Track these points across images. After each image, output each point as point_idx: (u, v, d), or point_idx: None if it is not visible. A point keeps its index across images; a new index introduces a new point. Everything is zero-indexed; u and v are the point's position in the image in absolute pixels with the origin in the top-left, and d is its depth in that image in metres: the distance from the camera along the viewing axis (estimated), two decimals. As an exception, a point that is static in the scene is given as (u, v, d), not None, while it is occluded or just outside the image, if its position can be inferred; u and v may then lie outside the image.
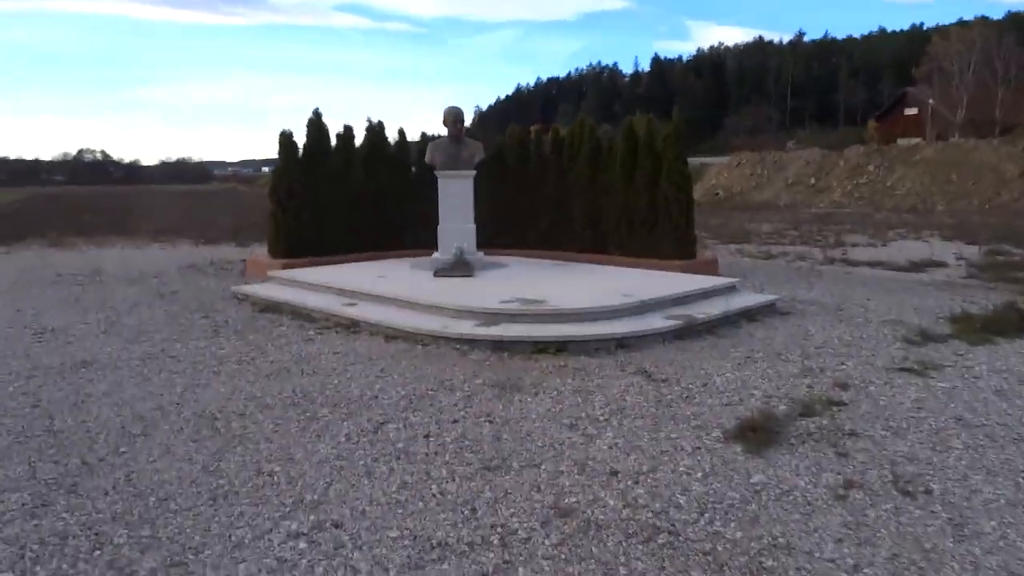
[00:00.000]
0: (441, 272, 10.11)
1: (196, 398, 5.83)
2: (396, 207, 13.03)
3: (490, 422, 5.30)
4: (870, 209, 34.53)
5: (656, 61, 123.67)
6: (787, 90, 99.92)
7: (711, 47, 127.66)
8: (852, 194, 39.79)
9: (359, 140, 13.06)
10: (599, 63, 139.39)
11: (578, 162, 12.53)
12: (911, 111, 61.35)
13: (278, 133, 11.99)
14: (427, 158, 10.98)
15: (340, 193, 12.44)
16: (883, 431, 5.12)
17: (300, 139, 12.33)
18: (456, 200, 10.83)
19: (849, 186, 40.38)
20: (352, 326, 8.25)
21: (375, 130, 13.05)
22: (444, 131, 10.90)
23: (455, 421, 5.32)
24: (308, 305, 8.99)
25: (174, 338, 7.82)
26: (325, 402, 5.72)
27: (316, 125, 12.40)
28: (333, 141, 12.61)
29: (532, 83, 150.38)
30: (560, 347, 7.14)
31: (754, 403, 5.69)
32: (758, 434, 5.00)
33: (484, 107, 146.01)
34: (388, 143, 13.15)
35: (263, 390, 6.02)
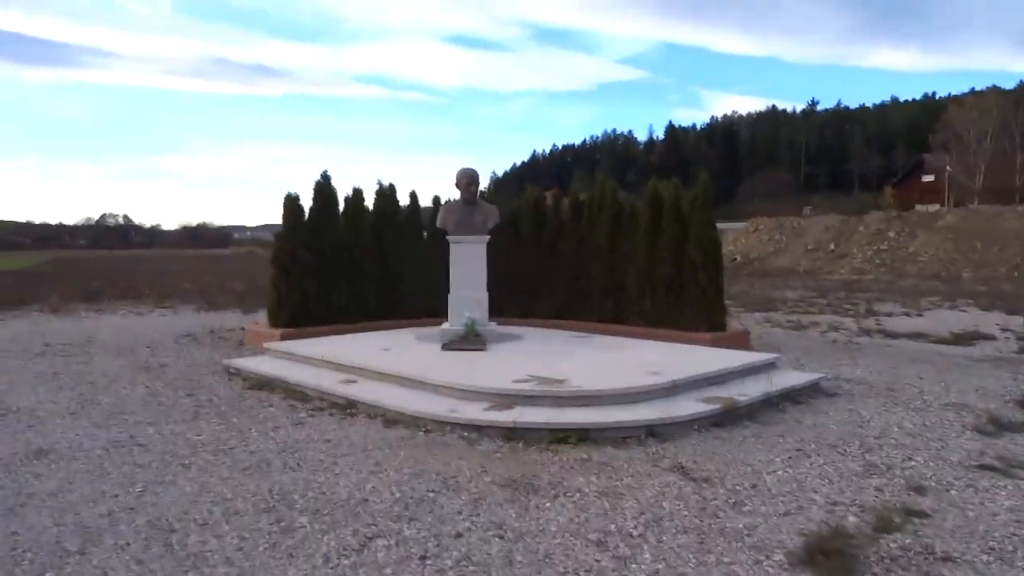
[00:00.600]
0: (450, 345, 9.26)
1: (155, 500, 4.92)
2: (406, 274, 12.27)
3: (500, 537, 4.35)
4: (892, 276, 33.54)
5: (670, 129, 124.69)
6: (800, 158, 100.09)
7: (724, 116, 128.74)
8: (873, 260, 38.85)
9: (369, 203, 12.39)
10: (614, 131, 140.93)
11: (598, 227, 11.77)
12: (928, 178, 60.87)
13: (283, 196, 11.35)
14: (439, 221, 10.25)
15: (347, 259, 11.71)
16: (984, 555, 4.14)
17: (307, 202, 11.69)
18: (468, 266, 10.05)
19: (870, 252, 39.48)
20: (349, 407, 7.36)
21: (385, 194, 12.40)
22: (457, 194, 10.20)
23: (458, 535, 4.38)
24: (303, 382, 8.12)
25: (148, 421, 6.95)
26: (305, 507, 4.80)
27: (323, 188, 11.76)
28: (341, 205, 11.94)
29: (547, 150, 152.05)
30: (582, 436, 6.22)
31: (817, 512, 4.72)
32: (831, 559, 4.03)
33: (500, 173, 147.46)
34: (399, 207, 12.48)
35: (235, 489, 5.11)
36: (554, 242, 12.28)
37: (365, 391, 7.53)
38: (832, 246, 42.00)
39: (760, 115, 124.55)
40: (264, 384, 8.51)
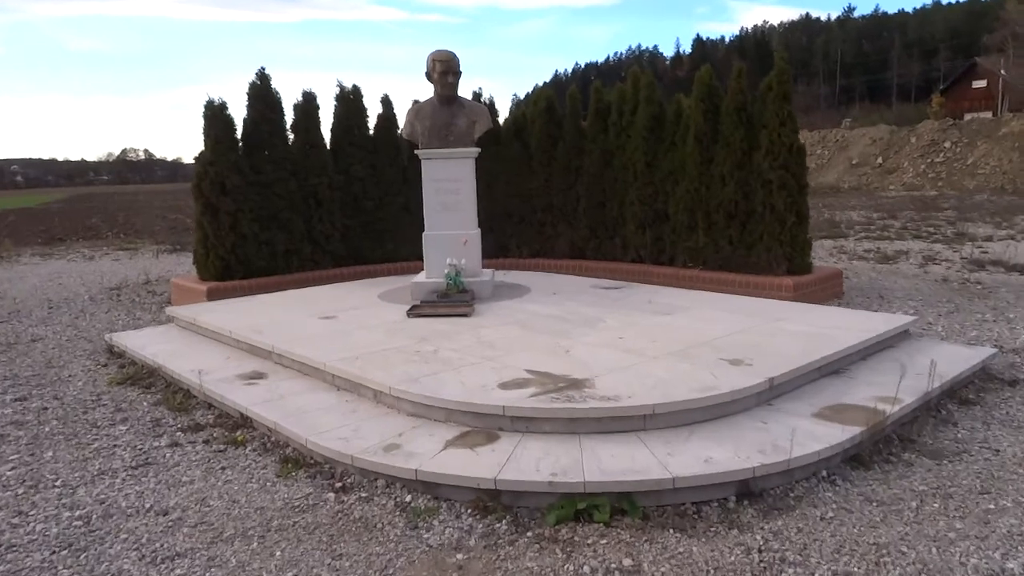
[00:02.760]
0: (419, 309, 6.29)
1: None
2: (380, 206, 9.22)
3: None
4: (951, 191, 29.77)
5: (698, 42, 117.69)
6: (836, 68, 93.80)
7: (755, 26, 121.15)
8: (926, 174, 34.90)
9: (328, 114, 9.28)
10: (639, 46, 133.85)
11: (632, 136, 8.57)
12: (979, 84, 55.61)
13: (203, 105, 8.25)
14: (404, 130, 7.16)
15: (296, 188, 8.67)
16: None
17: (240, 112, 8.61)
18: (449, 193, 6.98)
19: (923, 165, 35.45)
20: (239, 427, 4.48)
21: (348, 99, 9.23)
22: (429, 92, 7.05)
23: None
24: (188, 377, 5.23)
25: None
26: None
27: (261, 92, 8.64)
28: (288, 115, 8.84)
29: (569, 69, 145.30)
30: (621, 506, 3.28)
31: None
32: None
33: (521, 95, 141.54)
34: (366, 118, 9.32)
35: None
36: (573, 158, 9.11)
37: (270, 399, 4.62)
38: (879, 160, 38.01)
39: (793, 24, 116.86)
40: (142, 376, 5.65)
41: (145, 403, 5.11)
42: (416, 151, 7.00)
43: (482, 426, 3.94)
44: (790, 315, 5.89)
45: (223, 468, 3.97)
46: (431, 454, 3.65)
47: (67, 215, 31.14)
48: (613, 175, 8.77)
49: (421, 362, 4.75)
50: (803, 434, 3.75)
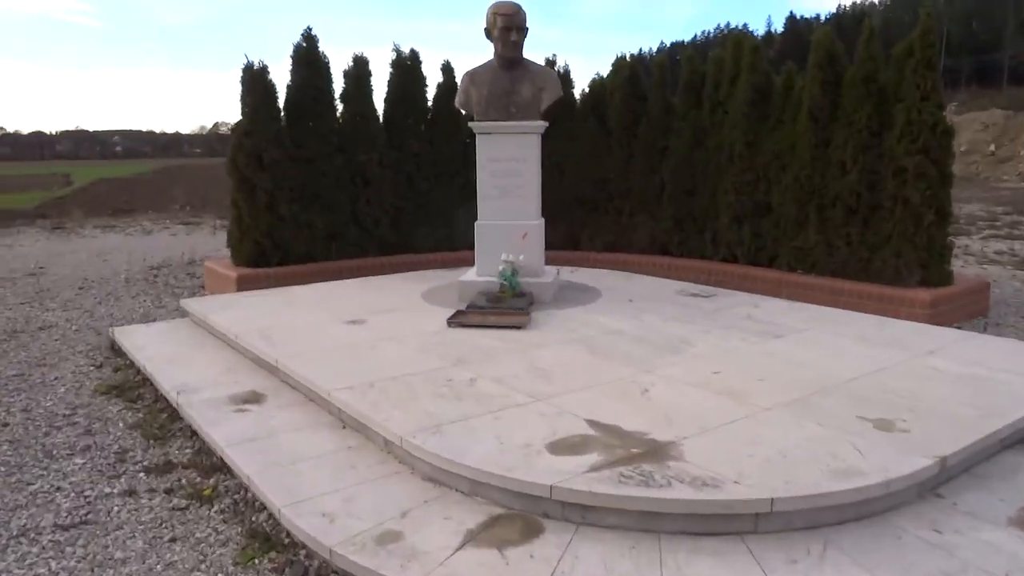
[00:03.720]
0: (463, 317, 5.13)
1: None
2: (432, 189, 8.11)
3: None
4: (1077, 183, 26.74)
5: (791, 20, 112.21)
6: (942, 48, 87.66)
7: (853, 3, 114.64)
8: (1046, 164, 31.70)
9: (381, 82, 8.19)
10: (727, 24, 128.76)
11: (730, 113, 7.17)
12: (1107, 66, 50.52)
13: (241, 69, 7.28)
14: (458, 98, 5.98)
15: (343, 165, 7.64)
16: None
17: (283, 78, 7.64)
18: (508, 175, 5.80)
19: (1042, 154, 32.22)
20: (215, 472, 3.44)
21: (405, 65, 8.12)
22: (489, 54, 5.85)
23: None
24: (172, 394, 4.23)
25: None
26: None
27: (307, 56, 7.60)
28: (338, 84, 7.81)
29: (654, 47, 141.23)
30: None
31: None
32: None
33: (602, 74, 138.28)
34: (424, 87, 8.19)
35: None
36: (659, 137, 7.76)
37: (256, 437, 3.56)
38: (992, 148, 34.79)
39: (895, 1, 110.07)
40: (132, 385, 4.70)
41: (121, 424, 4.14)
42: (470, 124, 5.83)
43: (520, 508, 2.77)
44: (941, 346, 4.47)
45: (172, 540, 2.93)
46: (441, 556, 2.51)
47: (152, 185, 31.51)
48: (705, 158, 7.39)
49: (452, 397, 3.60)
50: (1009, 560, 2.44)
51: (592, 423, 3.25)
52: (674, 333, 4.77)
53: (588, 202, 8.14)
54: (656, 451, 2.95)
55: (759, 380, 3.81)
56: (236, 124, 7.29)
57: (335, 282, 6.84)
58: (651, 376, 3.89)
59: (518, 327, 4.88)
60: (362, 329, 4.96)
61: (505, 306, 5.29)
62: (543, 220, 6.06)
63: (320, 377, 3.94)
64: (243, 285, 6.87)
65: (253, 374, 4.47)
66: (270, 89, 7.32)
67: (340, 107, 7.81)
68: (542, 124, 5.82)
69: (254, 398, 4.08)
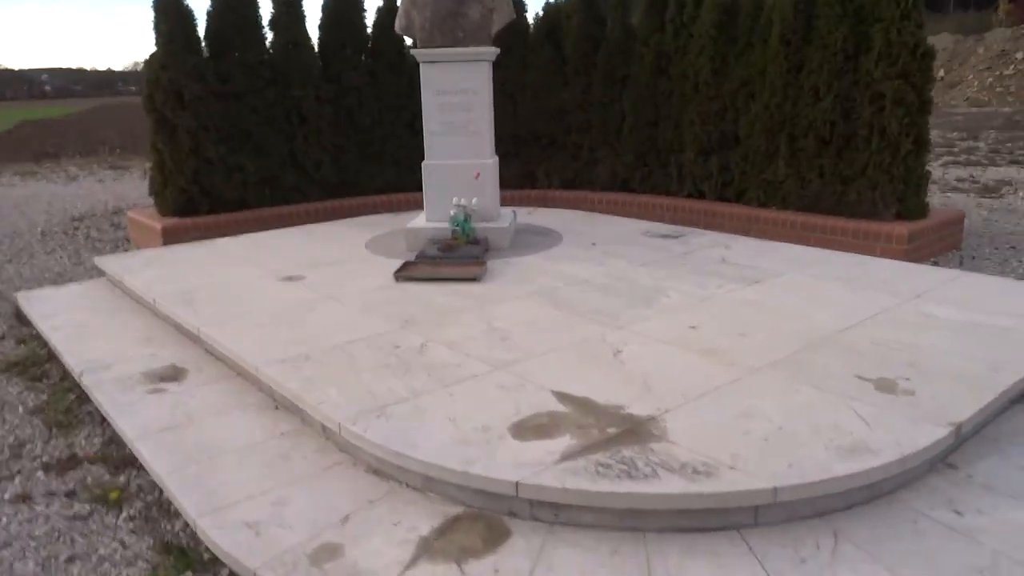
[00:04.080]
0: (411, 270, 4.62)
1: None
2: (376, 124, 7.45)
3: None
4: (1021, 105, 26.88)
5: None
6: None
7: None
8: (993, 88, 31.72)
9: (317, 3, 7.42)
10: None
11: (695, 36, 6.63)
12: (1052, -12, 50.71)
13: (153, -8, 6.45)
14: (398, 22, 5.33)
15: (275, 99, 6.93)
16: None
17: (204, 4, 6.81)
18: (457, 109, 5.22)
19: (990, 78, 32.24)
20: (124, 468, 2.95)
21: (341, -12, 7.34)
22: (433, -31, 5.17)
23: None
24: (79, 373, 3.68)
25: None
26: None
27: (229, -22, 6.78)
28: (267, 10, 7.03)
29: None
30: None
31: None
32: None
33: None
34: (363, 12, 7.44)
35: None
36: (619, 65, 7.19)
37: (172, 424, 3.06)
38: (941, 73, 34.75)
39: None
40: (37, 360, 4.13)
41: (21, 409, 3.60)
42: (413, 51, 5.21)
43: (482, 507, 2.36)
44: (931, 287, 4.14)
45: (70, 559, 2.46)
46: (389, 575, 2.08)
47: (83, 126, 29.65)
48: (669, 87, 6.87)
49: (400, 369, 3.14)
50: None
51: (561, 396, 2.83)
52: (644, 281, 4.34)
53: (544, 136, 7.58)
54: (636, 430, 2.55)
55: (741, 335, 3.43)
56: (150, 56, 6.50)
57: (272, 231, 6.25)
58: (623, 333, 3.48)
59: (473, 279, 4.41)
60: (299, 287, 4.43)
61: (458, 255, 4.80)
62: (497, 158, 5.53)
63: (247, 349, 3.43)
64: (169, 237, 6.23)
65: (174, 344, 3.93)
66: (186, 15, 6.52)
67: (270, 36, 7.05)
68: (493, 51, 5.23)
69: (173, 374, 3.55)
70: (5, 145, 20.18)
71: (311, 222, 6.82)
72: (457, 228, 5.05)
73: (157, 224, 6.37)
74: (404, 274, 4.49)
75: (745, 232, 6.09)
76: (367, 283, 4.43)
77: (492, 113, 5.35)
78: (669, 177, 7.00)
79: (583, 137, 7.44)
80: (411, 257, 4.88)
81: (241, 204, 6.78)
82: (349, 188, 7.37)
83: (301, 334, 3.58)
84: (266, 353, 3.35)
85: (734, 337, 3.40)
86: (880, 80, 5.58)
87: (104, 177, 12.89)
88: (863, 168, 5.77)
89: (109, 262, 5.26)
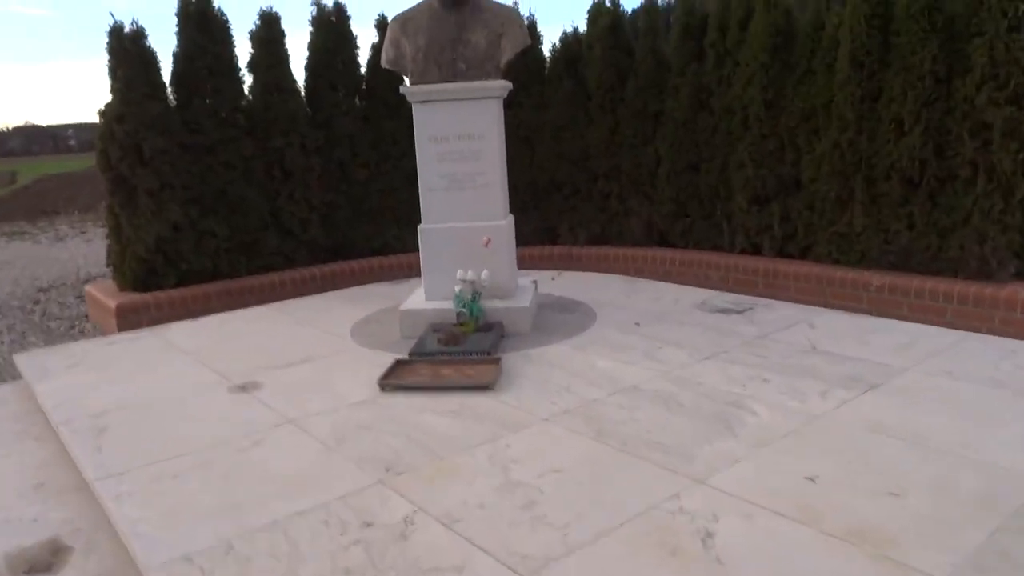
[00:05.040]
0: (408, 368, 3.46)
1: None
2: (372, 178, 6.38)
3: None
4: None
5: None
6: None
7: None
8: None
9: (300, 44, 6.43)
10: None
11: (742, 64, 5.52)
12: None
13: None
14: (385, 55, 4.25)
15: (252, 154, 5.88)
16: None
17: (167, 43, 5.85)
18: (460, 159, 4.11)
19: None
20: None
21: (330, 23, 6.32)
22: (428, -10, 4.11)
23: None
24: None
25: None
26: None
27: (197, 14, 5.78)
28: (244, 50, 6.02)
29: None
30: None
31: None
32: None
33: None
34: (355, 50, 6.42)
35: None
36: (651, 100, 6.08)
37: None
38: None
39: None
40: None
41: None
42: (402, 89, 4.12)
43: None
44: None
45: None
46: None
47: (101, 179, 29.15)
48: (712, 123, 5.75)
49: (365, 576, 1.96)
50: None
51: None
52: (715, 385, 3.15)
53: (566, 185, 6.46)
54: None
55: (892, 495, 2.21)
56: (105, 107, 5.48)
57: (243, 311, 5.14)
58: (706, 493, 2.28)
59: (485, 388, 3.23)
60: (251, 402, 3.27)
61: (464, 350, 3.63)
62: (512, 217, 4.40)
63: (144, 532, 2.26)
64: (124, 319, 5.14)
65: (72, 498, 2.78)
66: (148, 58, 5.51)
67: (248, 79, 6.04)
68: (504, 85, 4.13)
69: (48, 561, 2.39)
70: (23, 200, 19.49)
71: (296, 292, 5.72)
72: (464, 310, 3.90)
73: (111, 301, 5.28)
74: (393, 382, 3.32)
75: (818, 298, 4.91)
76: (344, 393, 3.28)
77: (504, 162, 4.24)
78: (716, 230, 5.83)
79: (612, 185, 6.30)
80: (405, 350, 3.72)
81: (214, 274, 5.70)
82: (342, 251, 6.28)
83: (231, 496, 2.42)
84: (169, 538, 2.18)
85: (882, 500, 2.19)
86: (985, 107, 4.41)
87: (94, 236, 11.93)
88: (966, 216, 4.57)
89: (27, 361, 4.14)
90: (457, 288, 3.96)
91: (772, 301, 4.71)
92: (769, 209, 5.47)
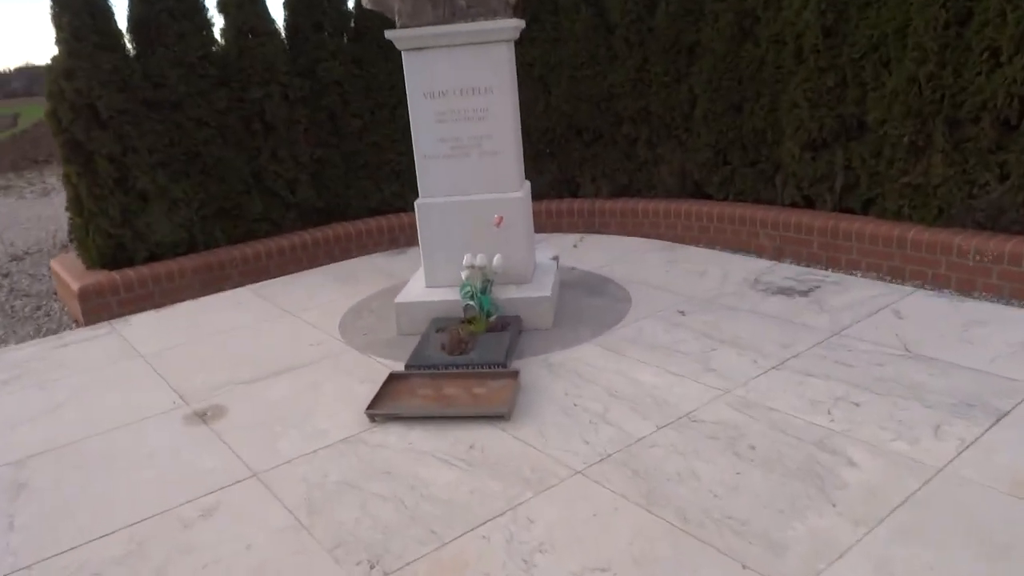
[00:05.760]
0: (401, 393, 2.79)
1: None
2: (370, 127, 5.60)
3: None
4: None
5: None
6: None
7: None
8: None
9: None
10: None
11: (796, -20, 4.61)
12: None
13: (47, -31, 4.62)
14: (365, -6, 3.42)
15: (227, 107, 5.10)
16: None
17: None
18: (464, 115, 3.33)
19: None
20: None
21: (309, -48, 5.42)
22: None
23: None
24: None
25: None
26: None
27: (154, -55, 4.90)
28: (212, -11, 5.17)
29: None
30: None
31: None
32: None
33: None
34: (341, -18, 5.53)
35: None
36: (684, 31, 5.19)
37: None
38: None
39: None
40: None
41: None
42: (388, 33, 3.31)
43: None
44: None
45: None
46: None
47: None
48: (758, 55, 4.87)
49: None
50: None
51: None
52: (793, 412, 2.46)
53: (588, 130, 5.64)
54: None
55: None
56: (52, 61, 4.69)
57: (216, 298, 4.47)
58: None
59: (499, 417, 2.57)
60: (211, 440, 2.63)
61: (473, 361, 2.94)
62: (528, 186, 3.64)
63: None
64: (88, 303, 4.50)
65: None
66: (98, 4, 4.69)
67: (219, 22, 5.22)
68: (515, 25, 3.31)
69: None
70: (20, 147, 18.73)
71: (282, 266, 5.05)
72: (472, 303, 3.20)
73: (75, 283, 4.63)
74: (385, 412, 2.65)
75: (886, 261, 4.16)
76: (325, 426, 2.62)
77: (518, 119, 3.46)
78: (762, 179, 5.03)
79: (640, 129, 5.48)
80: (402, 352, 3.05)
81: (191, 246, 5.01)
82: (335, 212, 5.56)
83: None
84: None
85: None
86: (1111, 29, 3.54)
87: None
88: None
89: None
90: (463, 274, 3.25)
91: (842, 277, 3.95)
92: (826, 156, 4.66)
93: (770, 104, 4.88)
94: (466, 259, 3.23)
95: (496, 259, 3.25)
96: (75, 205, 4.88)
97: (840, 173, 4.60)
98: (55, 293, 5.52)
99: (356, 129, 5.55)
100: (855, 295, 3.52)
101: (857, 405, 2.46)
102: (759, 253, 4.78)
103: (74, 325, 4.61)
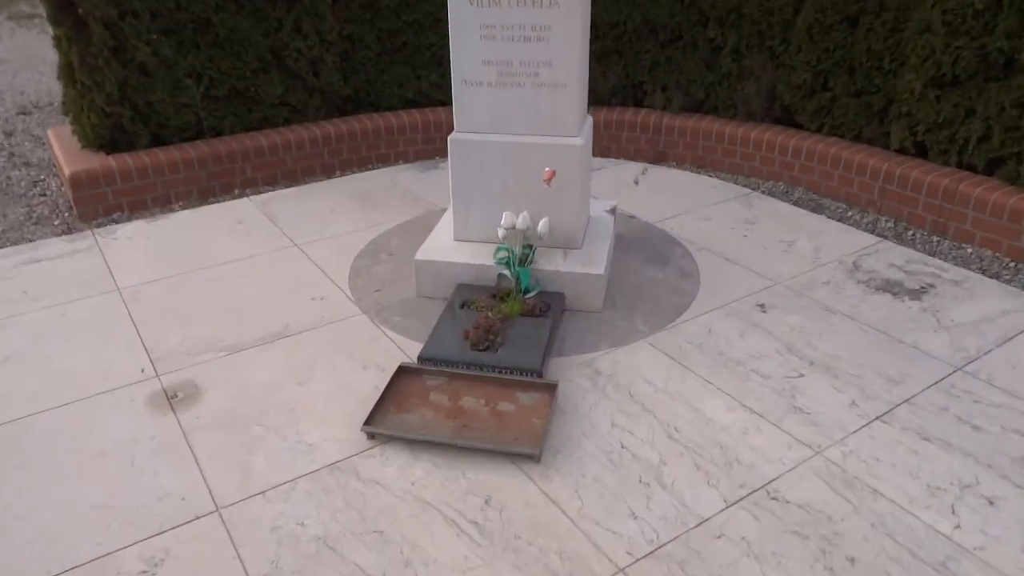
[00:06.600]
0: (403, 404, 2.24)
1: None
2: (404, 5, 4.73)
3: None
4: None
5: None
6: None
7: None
8: None
9: None
10: None
11: None
12: None
13: None
14: None
15: (244, -36, 4.27)
16: None
17: None
18: (516, 35, 2.55)
19: None
20: None
21: None
22: None
23: None
24: None
25: None
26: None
27: None
28: None
29: None
30: None
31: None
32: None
33: None
34: None
35: None
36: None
37: None
38: None
39: None
40: None
41: None
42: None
43: None
44: None
45: None
46: None
47: None
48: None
49: None
50: None
51: None
52: (904, 503, 1.88)
53: (665, 29, 4.70)
54: None
55: None
56: None
57: (217, 208, 3.87)
58: None
59: (528, 458, 2.02)
60: (170, 438, 2.14)
61: (498, 363, 2.36)
62: (590, 123, 2.90)
63: None
64: (80, 193, 3.96)
65: None
66: None
67: None
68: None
69: None
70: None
71: (301, 160, 4.41)
72: (507, 272, 2.59)
73: (67, 166, 4.06)
74: (386, 431, 2.12)
75: (1008, 240, 3.42)
76: (312, 440, 2.11)
77: (587, 43, 2.66)
78: (868, 115, 4.17)
79: (727, 33, 4.54)
80: (422, 317, 2.49)
81: (198, 131, 4.37)
82: (365, 101, 4.82)
83: None
84: None
85: None
86: None
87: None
88: None
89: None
90: (501, 233, 2.61)
91: (962, 273, 3.17)
92: (955, 98, 3.77)
93: (894, 22, 3.93)
94: (505, 218, 2.58)
95: (542, 224, 2.59)
96: (67, 73, 4.20)
97: (972, 121, 3.73)
98: (55, 165, 4.97)
99: (394, 3, 4.69)
100: (981, 307, 2.81)
101: (991, 504, 1.87)
102: (849, 204, 4.03)
103: (67, 213, 4.10)
